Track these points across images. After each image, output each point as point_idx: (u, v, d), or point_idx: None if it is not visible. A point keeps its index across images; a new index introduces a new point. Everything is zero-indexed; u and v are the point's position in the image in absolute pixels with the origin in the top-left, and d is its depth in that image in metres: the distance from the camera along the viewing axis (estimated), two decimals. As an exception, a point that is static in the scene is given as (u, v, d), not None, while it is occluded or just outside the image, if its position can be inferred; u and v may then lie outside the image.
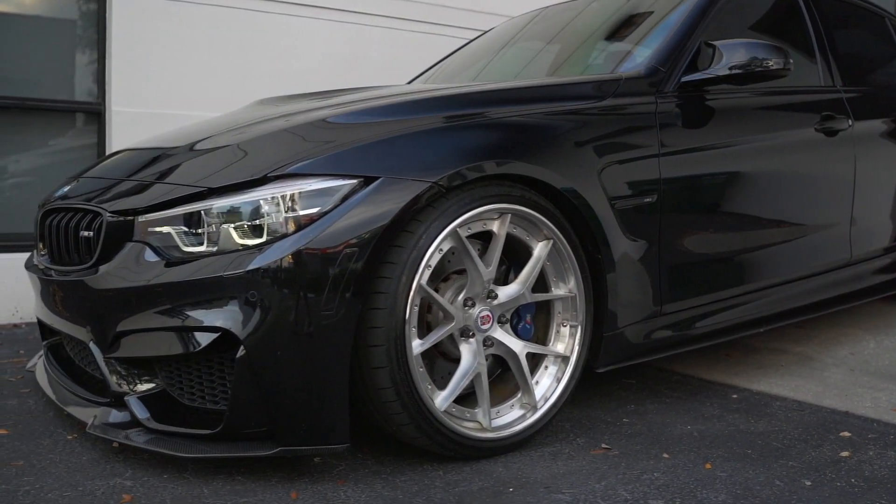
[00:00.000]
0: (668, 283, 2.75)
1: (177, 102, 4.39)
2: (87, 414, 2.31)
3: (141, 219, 2.19)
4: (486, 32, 4.31)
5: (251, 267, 2.01)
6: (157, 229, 2.16)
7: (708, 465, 2.29)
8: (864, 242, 3.65)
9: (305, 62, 4.81)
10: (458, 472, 2.23)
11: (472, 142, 2.34)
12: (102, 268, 2.21)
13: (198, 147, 2.48)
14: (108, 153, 4.06)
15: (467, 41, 4.40)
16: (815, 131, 3.35)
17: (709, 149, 2.90)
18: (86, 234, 2.32)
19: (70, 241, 2.40)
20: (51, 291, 2.49)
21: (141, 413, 2.17)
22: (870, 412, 2.80)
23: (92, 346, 2.25)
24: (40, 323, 2.81)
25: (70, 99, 4.32)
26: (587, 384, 2.87)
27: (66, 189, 2.65)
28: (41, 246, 2.63)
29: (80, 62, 4.38)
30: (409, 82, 4.11)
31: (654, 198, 2.67)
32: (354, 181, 2.10)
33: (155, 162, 2.49)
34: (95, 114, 4.33)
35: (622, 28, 3.45)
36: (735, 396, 2.96)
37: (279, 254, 2.01)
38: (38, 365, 2.84)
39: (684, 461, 2.33)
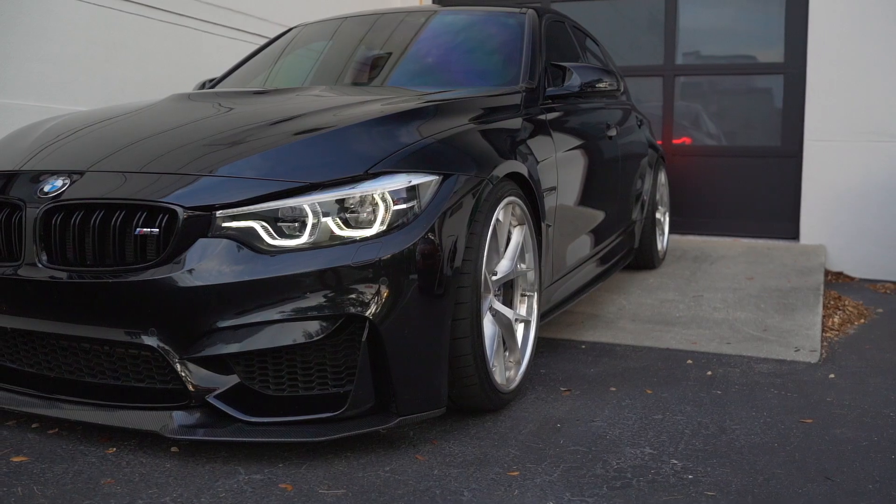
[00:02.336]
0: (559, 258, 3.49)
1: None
2: (137, 422, 2.30)
3: (221, 213, 2.23)
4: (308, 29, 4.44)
5: (371, 257, 2.23)
6: (241, 224, 2.25)
7: (649, 391, 3.02)
8: (617, 223, 4.48)
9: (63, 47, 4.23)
10: (508, 419, 2.69)
11: (495, 141, 2.83)
12: (179, 266, 2.21)
13: (246, 139, 2.53)
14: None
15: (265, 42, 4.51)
16: (606, 135, 4.29)
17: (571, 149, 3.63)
18: (147, 230, 2.25)
19: (116, 239, 2.27)
20: (65, 295, 2.32)
21: (230, 410, 2.26)
22: (686, 346, 3.69)
23: (157, 346, 2.23)
24: None
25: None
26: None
27: (61, 185, 2.39)
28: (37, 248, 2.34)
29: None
30: (214, 83, 4.16)
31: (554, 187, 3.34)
32: (438, 175, 2.42)
33: (192, 153, 2.45)
34: None
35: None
36: (584, 347, 3.68)
37: (393, 244, 2.27)
38: None
39: (629, 391, 3.03)
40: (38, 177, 2.49)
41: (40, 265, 2.35)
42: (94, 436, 2.46)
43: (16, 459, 2.27)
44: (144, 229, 2.27)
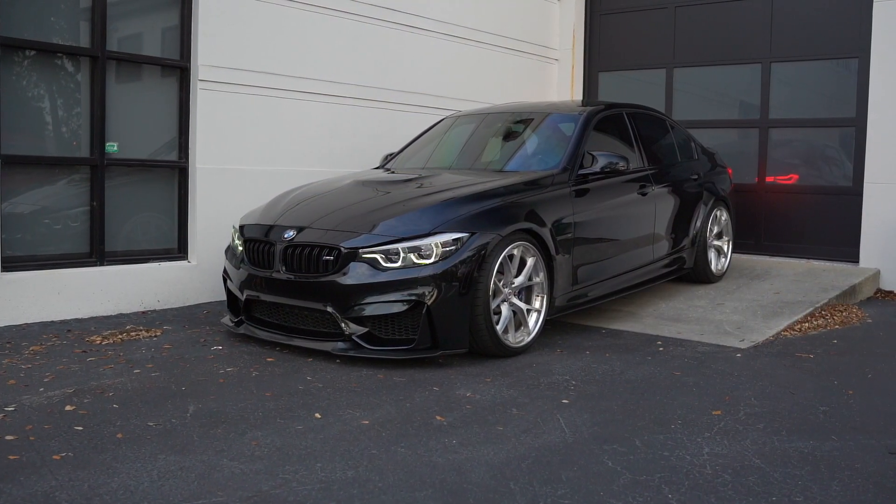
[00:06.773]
0: (576, 275, 5.51)
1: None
2: (321, 346, 4.88)
3: (361, 251, 4.73)
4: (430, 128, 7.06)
5: (429, 273, 4.65)
6: (371, 256, 4.70)
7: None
8: (658, 250, 6.53)
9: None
10: (513, 364, 4.85)
11: (510, 213, 5.05)
12: (342, 275, 4.75)
13: (380, 213, 5.02)
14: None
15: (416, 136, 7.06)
16: (637, 193, 6.27)
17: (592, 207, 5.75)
18: (328, 258, 4.77)
19: (314, 261, 4.80)
20: (291, 286, 4.89)
21: (364, 343, 4.76)
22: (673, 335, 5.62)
23: (331, 311, 4.77)
24: (247, 302, 5.21)
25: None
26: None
27: (293, 234, 4.94)
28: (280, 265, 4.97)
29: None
30: (392, 156, 6.83)
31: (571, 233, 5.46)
32: (468, 234, 4.78)
33: (353, 221, 4.97)
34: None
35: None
36: (604, 332, 5.74)
37: (441, 267, 4.66)
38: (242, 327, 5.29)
39: (615, 356, 5.08)
40: (282, 228, 5.17)
41: (281, 272, 5.03)
42: (294, 355, 5.07)
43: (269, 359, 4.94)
44: (327, 257, 4.85)
